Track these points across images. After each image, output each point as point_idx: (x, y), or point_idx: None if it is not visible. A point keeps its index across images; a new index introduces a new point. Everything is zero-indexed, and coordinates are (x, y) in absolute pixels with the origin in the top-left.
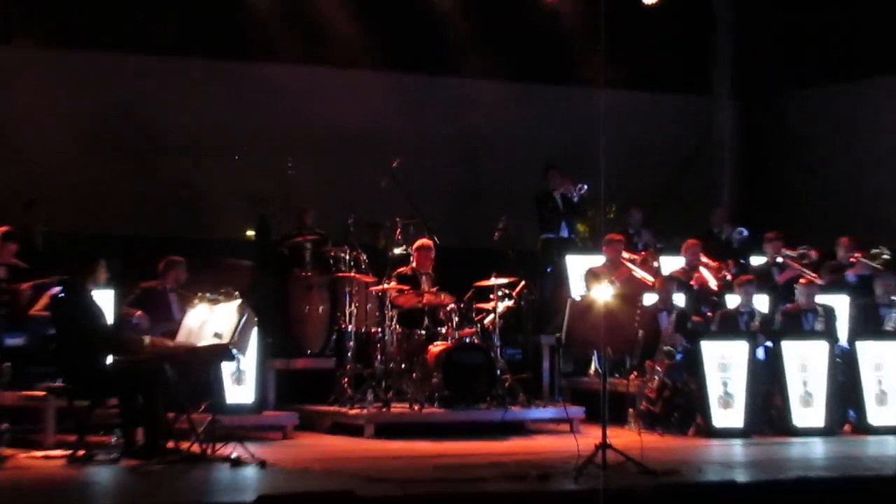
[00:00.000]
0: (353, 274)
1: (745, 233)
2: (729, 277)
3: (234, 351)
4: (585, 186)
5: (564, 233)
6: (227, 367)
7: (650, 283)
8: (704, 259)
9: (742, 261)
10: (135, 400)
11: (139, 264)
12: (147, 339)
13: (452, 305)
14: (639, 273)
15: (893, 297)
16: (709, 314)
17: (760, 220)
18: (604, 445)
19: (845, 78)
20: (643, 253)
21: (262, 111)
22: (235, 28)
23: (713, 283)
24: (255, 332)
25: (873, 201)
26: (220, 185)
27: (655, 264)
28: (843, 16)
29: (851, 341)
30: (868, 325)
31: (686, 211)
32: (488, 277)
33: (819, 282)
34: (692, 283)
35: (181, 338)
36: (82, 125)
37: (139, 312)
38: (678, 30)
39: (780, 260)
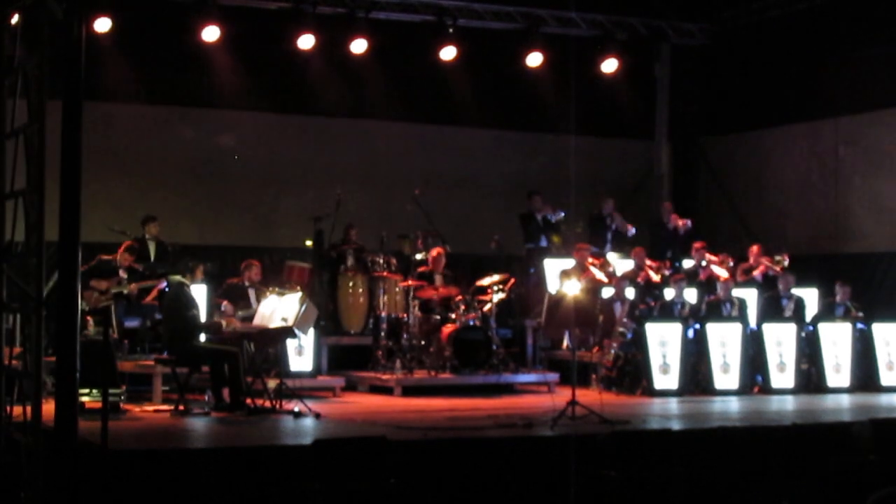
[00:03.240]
0: (385, 273)
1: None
2: (667, 273)
3: (297, 331)
4: (562, 213)
5: (543, 243)
6: (291, 343)
7: (607, 281)
8: (648, 262)
9: (676, 263)
10: (222, 368)
11: (227, 266)
12: (230, 322)
13: (459, 297)
14: (598, 274)
15: (791, 292)
16: (651, 304)
17: (687, 247)
18: (573, 402)
19: (756, 126)
20: (600, 259)
21: (317, 152)
22: (298, 90)
23: (655, 278)
24: (312, 316)
25: (776, 220)
26: (286, 207)
27: (611, 268)
28: (752, 78)
29: (759, 324)
30: (771, 312)
31: (639, 221)
32: (486, 276)
33: (725, 277)
34: (639, 280)
35: (257, 321)
36: (184, 163)
37: (225, 302)
38: (628, 90)
39: (703, 263)
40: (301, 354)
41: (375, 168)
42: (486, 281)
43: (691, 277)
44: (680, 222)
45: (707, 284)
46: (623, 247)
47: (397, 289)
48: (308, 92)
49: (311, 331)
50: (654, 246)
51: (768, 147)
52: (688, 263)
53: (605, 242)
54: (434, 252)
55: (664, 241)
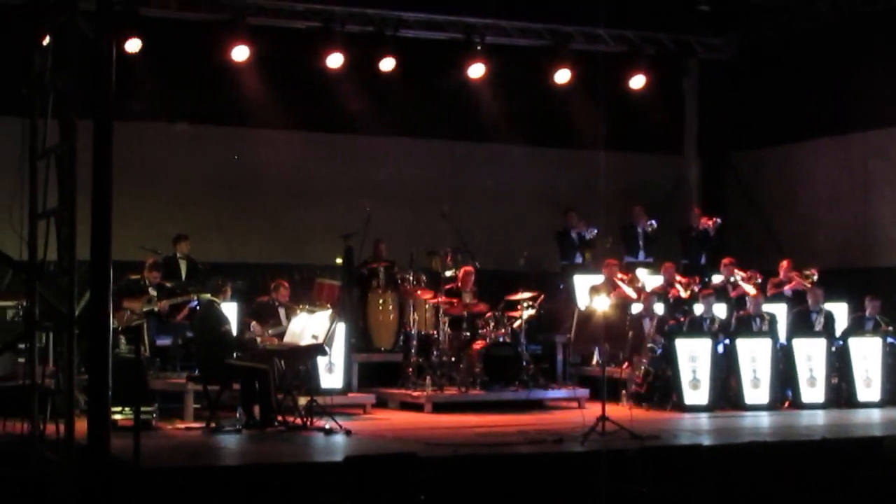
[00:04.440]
0: (415, 290)
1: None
2: (696, 289)
3: (326, 348)
4: (595, 230)
5: (579, 260)
6: (321, 360)
7: (636, 297)
8: (678, 277)
9: (706, 279)
10: (253, 385)
11: (258, 284)
12: (261, 341)
13: (489, 313)
14: (627, 289)
15: (821, 306)
16: (681, 319)
17: (719, 248)
18: (603, 418)
19: (785, 139)
20: (629, 274)
21: (347, 169)
22: (327, 108)
23: (684, 295)
24: (339, 331)
25: (806, 234)
26: (315, 224)
27: (640, 284)
28: (780, 93)
29: (789, 339)
30: (801, 327)
31: (666, 239)
32: (516, 292)
33: (754, 294)
34: (668, 295)
35: (287, 338)
36: (215, 180)
37: (254, 322)
38: (656, 105)
39: (733, 279)
40: (331, 371)
41: (404, 185)
42: (515, 297)
43: (720, 293)
44: (709, 222)
45: (737, 299)
46: (655, 250)
47: (427, 305)
48: (337, 110)
49: (342, 348)
50: (686, 252)
51: (797, 160)
52: (717, 279)
53: (639, 250)
54: (463, 270)
55: (695, 246)
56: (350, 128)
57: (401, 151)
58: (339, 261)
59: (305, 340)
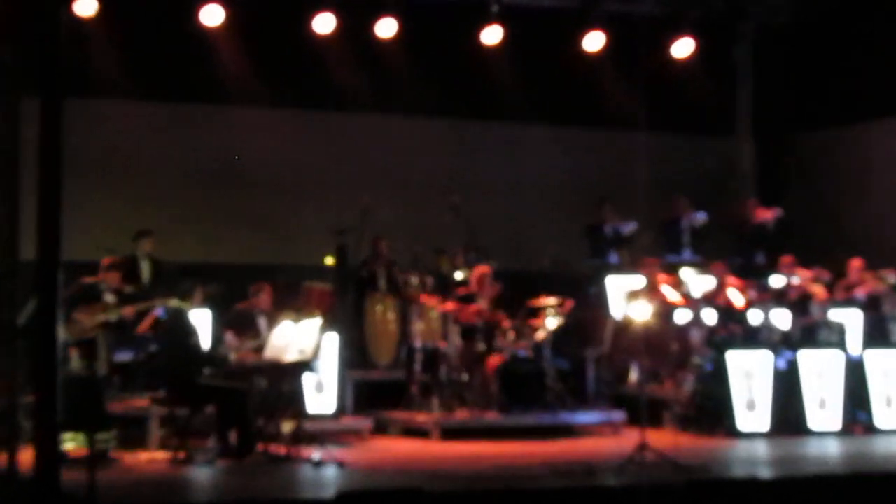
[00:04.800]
0: (420, 295)
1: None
2: (752, 294)
3: (316, 364)
4: (634, 224)
5: (613, 259)
6: (309, 378)
7: (681, 303)
8: (730, 279)
9: (764, 281)
10: (229, 408)
11: (234, 288)
12: (238, 356)
13: (507, 322)
14: (671, 294)
15: None
16: (734, 329)
17: (779, 244)
18: (642, 446)
19: (855, 118)
20: (673, 276)
21: (340, 153)
22: (317, 83)
23: (739, 301)
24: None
25: (880, 228)
26: (303, 219)
27: (686, 287)
28: (851, 62)
29: (862, 352)
30: (876, 337)
31: (717, 235)
32: (539, 297)
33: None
34: (719, 301)
35: (268, 353)
36: (185, 167)
37: (230, 333)
38: (704, 78)
39: (795, 281)
40: (321, 391)
41: (408, 172)
42: (539, 304)
43: (780, 297)
44: (768, 214)
45: (799, 306)
46: (703, 248)
47: (434, 314)
48: (328, 84)
49: (334, 364)
50: (740, 250)
51: (870, 143)
52: (777, 281)
53: (684, 248)
54: (478, 271)
55: (751, 242)
56: (344, 105)
57: (404, 133)
58: (330, 261)
59: (291, 355)
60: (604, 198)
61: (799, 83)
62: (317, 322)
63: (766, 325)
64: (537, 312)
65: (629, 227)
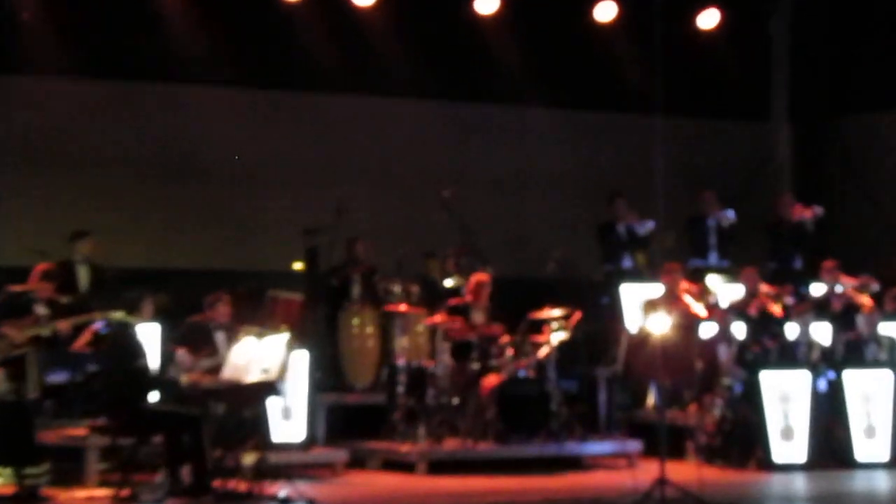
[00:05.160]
0: (404, 306)
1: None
2: (789, 302)
3: (282, 386)
4: (651, 223)
5: (627, 263)
6: (274, 403)
7: (707, 315)
8: (763, 287)
9: (802, 290)
10: (180, 437)
11: (188, 298)
12: (191, 377)
13: (506, 337)
14: (695, 305)
15: None
16: (768, 344)
17: (820, 246)
18: (662, 480)
19: None
20: (698, 284)
21: (312, 141)
22: (284, 58)
23: (775, 313)
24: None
25: None
26: (269, 217)
27: (712, 297)
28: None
29: None
30: None
31: (748, 235)
32: (543, 309)
33: (868, 307)
34: (751, 311)
35: (227, 373)
36: (131, 158)
37: (182, 350)
38: (734, 54)
39: (839, 289)
40: (289, 418)
41: (391, 162)
42: (542, 316)
43: (822, 308)
44: (806, 213)
45: (844, 318)
46: (732, 251)
47: (421, 327)
48: (298, 59)
49: (304, 386)
50: (775, 253)
51: None
52: (818, 289)
53: (710, 251)
54: (473, 278)
55: (788, 245)
56: (316, 84)
57: (387, 117)
58: (299, 266)
59: (253, 376)
60: (617, 192)
61: (843, 61)
62: (283, 337)
63: (805, 341)
64: (541, 326)
65: (646, 227)
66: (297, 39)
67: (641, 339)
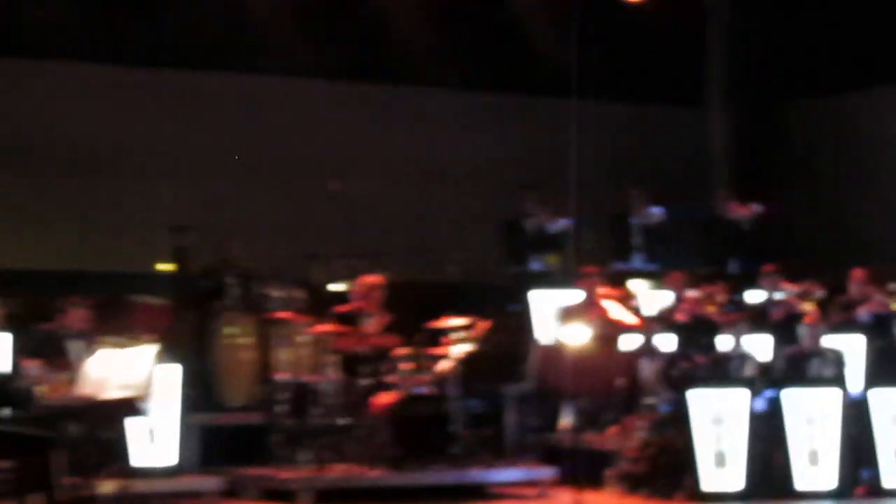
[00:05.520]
0: (285, 313)
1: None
2: (722, 301)
3: (147, 404)
4: (566, 221)
5: (537, 266)
6: (137, 423)
7: (631, 324)
8: (694, 293)
9: (737, 297)
10: (27, 463)
11: (40, 303)
12: (42, 391)
13: (402, 349)
14: (618, 312)
15: None
16: (699, 359)
17: (759, 249)
18: None
19: (870, 82)
20: (620, 290)
21: (183, 125)
22: (149, 30)
23: (705, 321)
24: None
25: (890, 226)
26: (130, 211)
27: (636, 303)
28: (847, 20)
29: (866, 390)
30: (886, 370)
31: (678, 236)
32: (444, 317)
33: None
34: (679, 318)
35: (83, 389)
36: None
37: (34, 363)
38: (665, 31)
39: (779, 296)
40: (155, 441)
41: (271, 150)
42: (444, 325)
43: (760, 318)
44: (744, 211)
45: (785, 329)
46: (660, 253)
47: (305, 338)
48: (170, 30)
49: (172, 404)
50: (709, 255)
51: (881, 118)
52: (756, 296)
53: (633, 253)
54: (363, 283)
55: (723, 244)
56: (188, 61)
57: (266, 98)
58: (165, 267)
59: (112, 392)
60: (525, 185)
61: (788, 38)
62: (148, 349)
63: (741, 355)
64: (442, 337)
65: (559, 225)
66: (167, 11)
67: (556, 353)
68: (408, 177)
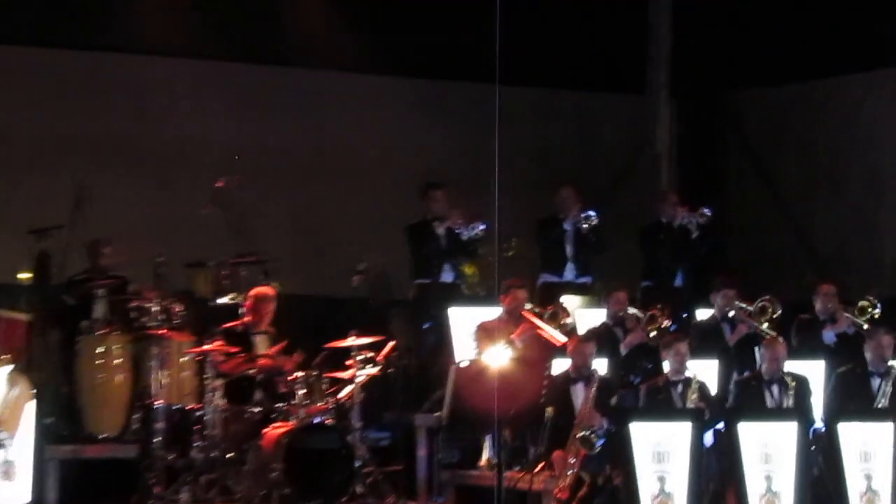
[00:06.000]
0: (164, 331)
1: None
2: (667, 325)
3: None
4: (482, 226)
5: (448, 277)
6: None
7: (560, 343)
8: (634, 311)
9: (684, 314)
10: None
11: None
12: None
13: (298, 374)
14: (547, 331)
15: (890, 363)
16: (639, 385)
17: (708, 258)
18: None
19: (840, 68)
20: (547, 307)
21: (40, 111)
22: None
23: (646, 339)
24: (30, 408)
25: (863, 230)
26: None
27: (569, 320)
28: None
29: (830, 422)
30: (853, 400)
31: (616, 243)
32: (345, 336)
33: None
34: (621, 343)
35: None
36: None
37: None
38: (602, 9)
39: (732, 314)
40: (11, 477)
41: (148, 139)
42: (346, 345)
43: (710, 338)
44: (691, 214)
45: (739, 351)
46: (595, 264)
47: (186, 359)
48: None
49: (30, 435)
50: (651, 267)
51: (842, 106)
52: (705, 314)
53: (566, 263)
54: (253, 293)
55: (668, 254)
56: (54, 38)
57: (140, 80)
58: (25, 276)
59: None
60: (432, 184)
61: (745, 16)
62: (4, 370)
63: (688, 380)
64: (343, 359)
65: (474, 230)
66: None
67: (475, 377)
68: (308, 173)
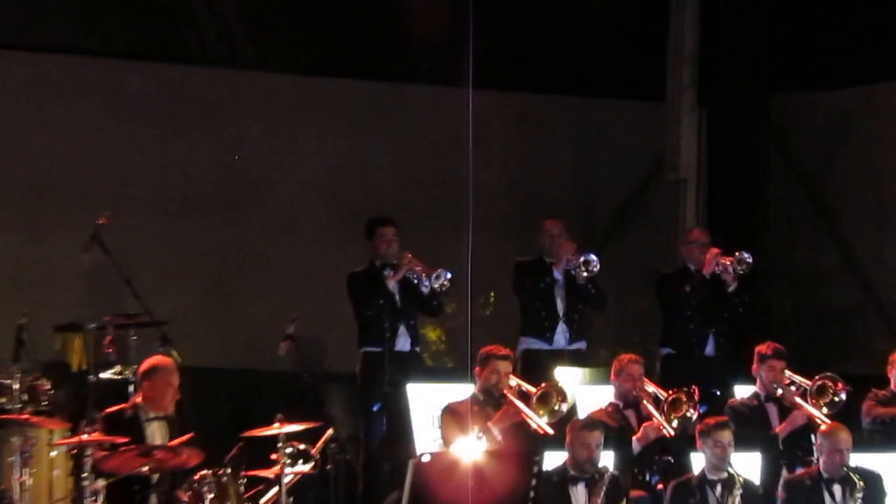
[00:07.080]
0: (27, 416)
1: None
2: (691, 414)
3: None
4: (448, 275)
5: (404, 344)
6: None
7: (553, 433)
8: (652, 387)
9: (715, 391)
10: None
11: None
12: None
13: (206, 471)
14: (533, 416)
15: None
16: (658, 486)
17: (748, 323)
18: None
19: (883, 75)
20: (538, 384)
21: None
22: None
23: (668, 429)
24: None
25: None
26: None
27: (561, 402)
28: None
29: None
30: None
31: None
32: (270, 423)
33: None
34: (635, 434)
35: None
36: None
37: None
38: (620, 14)
39: (780, 392)
40: None
41: (8, 168)
42: (270, 433)
43: (752, 423)
44: (726, 260)
45: (791, 441)
46: (596, 327)
47: (56, 452)
48: None
49: None
50: (672, 329)
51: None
52: (745, 391)
53: (555, 324)
54: (146, 364)
55: (695, 311)
56: None
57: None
58: None
59: None
60: (380, 219)
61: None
62: None
63: (722, 478)
64: (266, 452)
65: (439, 279)
66: None
67: (440, 475)
68: (217, 206)
